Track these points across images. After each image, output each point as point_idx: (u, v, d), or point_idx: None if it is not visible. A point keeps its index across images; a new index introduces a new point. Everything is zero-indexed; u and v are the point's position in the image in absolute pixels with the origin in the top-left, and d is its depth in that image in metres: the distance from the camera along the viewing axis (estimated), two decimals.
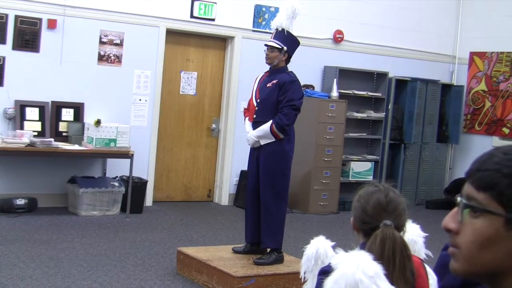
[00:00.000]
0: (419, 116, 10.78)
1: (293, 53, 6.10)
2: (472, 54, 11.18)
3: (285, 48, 5.97)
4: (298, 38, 6.24)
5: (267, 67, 6.15)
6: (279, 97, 5.87)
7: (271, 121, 5.83)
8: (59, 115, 8.32)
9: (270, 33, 6.25)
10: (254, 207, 6.02)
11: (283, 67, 6.03)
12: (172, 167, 9.42)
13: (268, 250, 5.99)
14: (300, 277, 3.23)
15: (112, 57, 8.61)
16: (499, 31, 10.74)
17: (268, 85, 5.95)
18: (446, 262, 2.89)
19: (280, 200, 5.97)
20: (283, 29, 6.00)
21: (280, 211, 5.99)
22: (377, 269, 2.09)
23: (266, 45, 6.07)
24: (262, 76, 6.13)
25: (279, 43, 5.96)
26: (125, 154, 8.20)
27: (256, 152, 6.01)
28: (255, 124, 5.99)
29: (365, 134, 10.48)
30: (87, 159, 8.51)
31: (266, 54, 6.03)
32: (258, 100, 5.99)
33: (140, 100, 8.86)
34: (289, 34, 6.03)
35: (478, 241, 1.23)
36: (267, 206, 5.92)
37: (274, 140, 5.88)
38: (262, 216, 5.95)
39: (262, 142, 5.91)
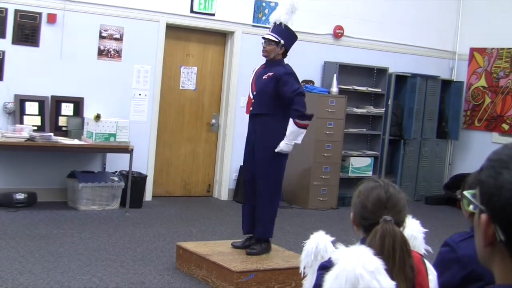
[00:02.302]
0: (419, 112, 10.78)
1: (290, 47, 6.13)
2: (472, 50, 11.18)
3: (282, 41, 5.99)
4: (298, 33, 6.26)
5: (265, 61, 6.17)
6: (279, 91, 5.88)
7: (291, 121, 5.85)
8: (58, 110, 8.32)
9: (270, 27, 6.25)
10: (251, 199, 6.08)
11: (279, 60, 6.05)
12: (172, 162, 9.42)
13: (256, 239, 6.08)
14: (300, 272, 3.24)
15: (112, 52, 8.61)
16: (499, 27, 10.73)
17: (263, 77, 5.98)
18: (445, 258, 2.89)
19: (273, 190, 6.02)
20: (281, 23, 6.03)
21: (273, 202, 6.05)
22: (377, 264, 2.09)
23: (263, 38, 6.09)
24: (258, 68, 6.16)
25: (276, 36, 5.99)
26: (125, 149, 8.20)
27: (251, 145, 6.06)
28: (253, 117, 6.04)
29: (364, 129, 10.48)
30: (87, 153, 8.51)
31: (263, 47, 6.05)
32: (255, 93, 6.03)
33: (140, 95, 8.85)
34: (287, 28, 6.05)
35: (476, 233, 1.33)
36: (262, 196, 5.98)
37: (304, 132, 5.91)
38: (257, 206, 6.02)
39: (299, 141, 5.95)
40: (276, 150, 5.90)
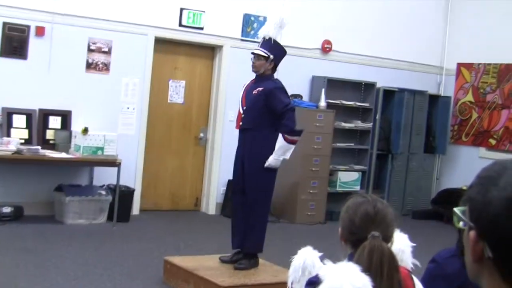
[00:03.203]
0: (407, 126, 10.81)
1: (279, 62, 6.15)
2: (460, 65, 11.24)
3: (271, 56, 6.01)
4: (286, 48, 6.28)
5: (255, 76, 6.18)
6: (269, 105, 5.90)
7: (280, 136, 5.86)
8: (46, 123, 8.29)
9: (259, 42, 6.28)
10: (240, 213, 6.08)
11: (269, 75, 6.07)
12: (160, 176, 9.40)
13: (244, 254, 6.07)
14: (287, 287, 3.23)
15: (100, 65, 8.60)
16: (486, 42, 10.80)
17: (253, 92, 6.00)
18: (433, 274, 2.90)
19: (263, 204, 6.02)
20: (270, 38, 6.06)
21: (263, 216, 6.06)
22: (365, 280, 2.09)
23: (252, 53, 6.11)
24: (248, 83, 6.18)
25: (265, 51, 6.01)
26: (112, 163, 8.18)
27: (241, 159, 6.06)
28: (242, 131, 6.04)
29: (352, 144, 10.50)
30: (74, 167, 8.48)
31: (253, 62, 6.08)
32: (245, 107, 6.04)
33: (128, 108, 8.84)
34: (276, 43, 6.08)
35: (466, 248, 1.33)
36: (251, 210, 5.97)
37: (292, 147, 5.93)
38: (246, 221, 6.01)
39: (287, 156, 5.96)
40: (265, 165, 5.90)
